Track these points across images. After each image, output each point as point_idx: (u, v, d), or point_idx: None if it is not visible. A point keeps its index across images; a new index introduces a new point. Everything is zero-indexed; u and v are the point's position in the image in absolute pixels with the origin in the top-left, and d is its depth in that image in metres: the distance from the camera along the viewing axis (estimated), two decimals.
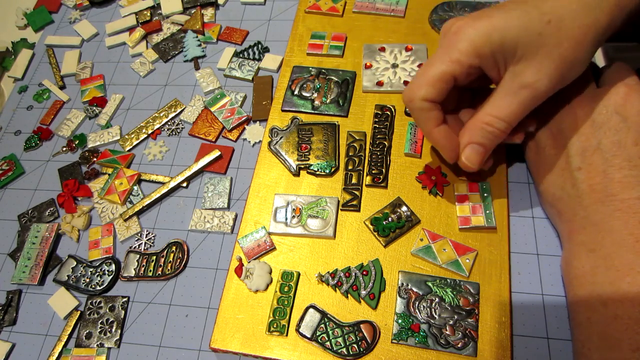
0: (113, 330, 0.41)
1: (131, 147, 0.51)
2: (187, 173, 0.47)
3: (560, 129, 0.37)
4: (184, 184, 0.48)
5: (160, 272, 0.43)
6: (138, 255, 0.44)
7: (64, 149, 0.53)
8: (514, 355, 0.35)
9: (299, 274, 0.40)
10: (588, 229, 0.34)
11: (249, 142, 0.49)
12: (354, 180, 0.44)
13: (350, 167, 0.44)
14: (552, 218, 0.40)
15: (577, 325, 0.34)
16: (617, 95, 0.35)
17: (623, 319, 0.30)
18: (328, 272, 0.40)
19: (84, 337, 0.41)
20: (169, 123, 0.52)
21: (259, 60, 0.55)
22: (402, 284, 0.38)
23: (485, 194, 0.41)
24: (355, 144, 0.46)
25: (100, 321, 0.41)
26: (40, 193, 0.50)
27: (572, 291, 0.35)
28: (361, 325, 0.37)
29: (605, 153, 0.34)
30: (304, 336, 0.37)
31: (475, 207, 0.41)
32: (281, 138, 0.47)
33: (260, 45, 0.56)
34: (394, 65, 0.50)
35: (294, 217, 0.42)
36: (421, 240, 0.40)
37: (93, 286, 0.43)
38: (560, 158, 0.37)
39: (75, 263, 0.44)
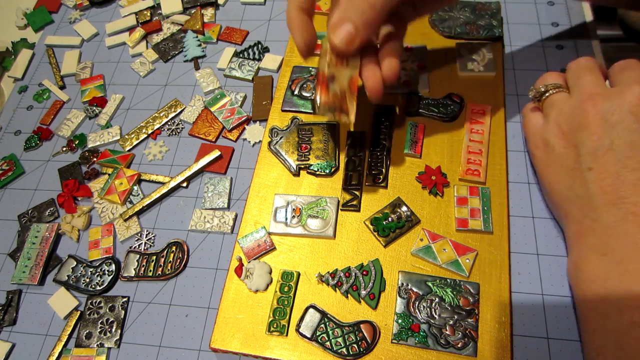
0: (113, 330, 0.41)
1: (131, 147, 0.51)
2: (187, 173, 0.47)
3: (571, 128, 0.36)
4: (184, 184, 0.48)
5: (160, 272, 0.43)
6: (138, 255, 0.44)
7: (64, 149, 0.53)
8: (514, 355, 0.35)
9: (299, 274, 0.40)
10: (598, 232, 0.33)
11: (249, 142, 0.49)
12: (354, 181, 0.44)
13: (350, 167, 0.44)
14: (558, 218, 0.39)
15: (591, 332, 0.32)
16: (632, 95, 0.34)
17: None
18: (328, 272, 0.40)
19: (84, 337, 0.41)
20: (169, 123, 0.52)
21: (259, 60, 0.55)
22: (402, 284, 0.38)
23: (485, 199, 0.41)
24: (355, 144, 0.46)
25: (100, 321, 0.41)
26: (40, 193, 0.50)
27: (582, 296, 0.34)
28: (361, 325, 0.37)
29: (618, 154, 0.33)
30: (304, 336, 0.37)
31: (474, 211, 0.40)
32: (281, 138, 0.47)
33: (260, 45, 0.56)
34: None
35: (294, 217, 0.42)
36: (421, 240, 0.40)
37: (93, 286, 0.43)
38: (569, 157, 0.36)
39: (75, 263, 0.44)
